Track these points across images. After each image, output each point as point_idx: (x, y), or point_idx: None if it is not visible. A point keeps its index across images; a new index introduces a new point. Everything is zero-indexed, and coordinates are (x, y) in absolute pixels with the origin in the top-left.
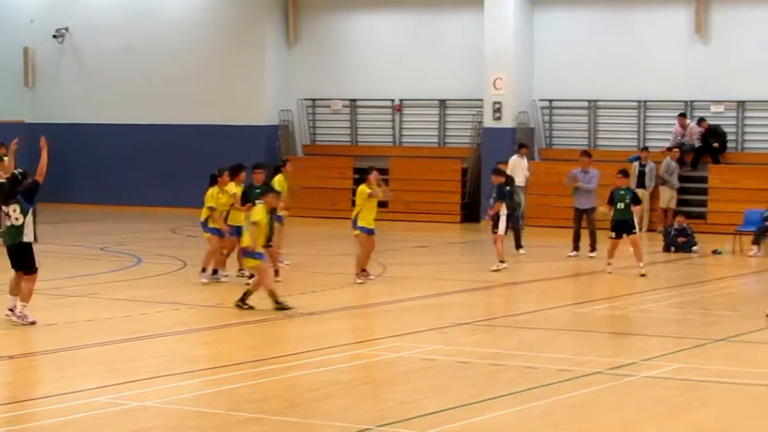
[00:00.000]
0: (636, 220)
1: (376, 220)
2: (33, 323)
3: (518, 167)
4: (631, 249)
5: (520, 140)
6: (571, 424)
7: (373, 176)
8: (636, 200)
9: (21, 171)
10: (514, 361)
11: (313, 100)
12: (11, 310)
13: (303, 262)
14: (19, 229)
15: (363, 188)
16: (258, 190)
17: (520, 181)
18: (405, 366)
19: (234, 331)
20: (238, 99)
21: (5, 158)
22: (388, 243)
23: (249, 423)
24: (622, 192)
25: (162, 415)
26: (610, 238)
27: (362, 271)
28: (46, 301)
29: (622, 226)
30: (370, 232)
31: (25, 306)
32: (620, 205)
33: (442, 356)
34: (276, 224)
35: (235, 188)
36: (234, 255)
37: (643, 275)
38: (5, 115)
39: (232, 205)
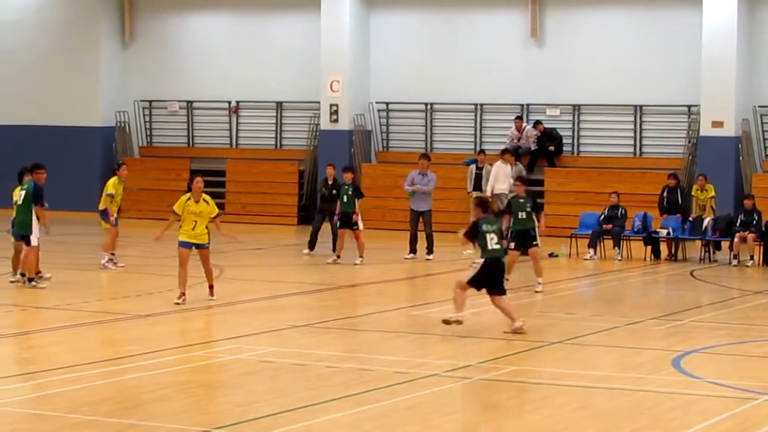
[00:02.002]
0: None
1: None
2: None
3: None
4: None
5: (357, 143)
6: (406, 426)
7: (197, 183)
8: (537, 208)
9: None
10: (351, 363)
11: (150, 101)
12: None
13: (137, 264)
14: None
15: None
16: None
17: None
18: (242, 368)
19: (68, 333)
20: (73, 100)
21: None
22: (223, 245)
23: (85, 425)
24: (522, 200)
25: None
26: (509, 249)
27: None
28: None
29: (524, 238)
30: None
31: None
32: (521, 215)
33: (278, 358)
34: (109, 226)
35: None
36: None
37: (538, 292)
38: None
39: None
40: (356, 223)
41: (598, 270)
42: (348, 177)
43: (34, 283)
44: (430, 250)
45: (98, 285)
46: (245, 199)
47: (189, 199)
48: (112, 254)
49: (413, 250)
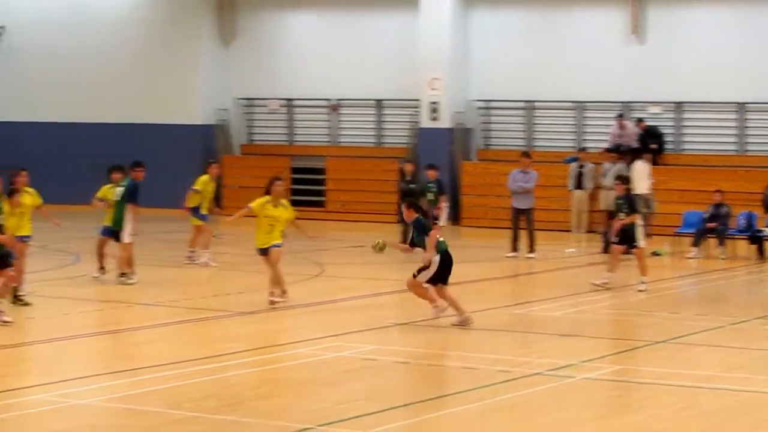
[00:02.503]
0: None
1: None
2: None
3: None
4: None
5: (457, 141)
6: (509, 425)
7: (277, 187)
8: (633, 208)
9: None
10: (453, 361)
11: (250, 99)
12: None
13: (237, 262)
14: None
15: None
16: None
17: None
18: (344, 366)
19: (173, 329)
20: (173, 98)
21: None
22: (323, 243)
23: (187, 422)
24: (620, 200)
25: (100, 414)
26: (613, 243)
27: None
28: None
29: (626, 236)
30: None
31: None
32: (620, 215)
33: (380, 356)
34: (202, 223)
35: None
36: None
37: (641, 291)
38: None
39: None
40: (437, 219)
41: (702, 269)
42: (432, 174)
43: (123, 279)
44: (531, 249)
45: (198, 282)
46: (345, 196)
47: (268, 202)
48: (192, 252)
49: (515, 249)
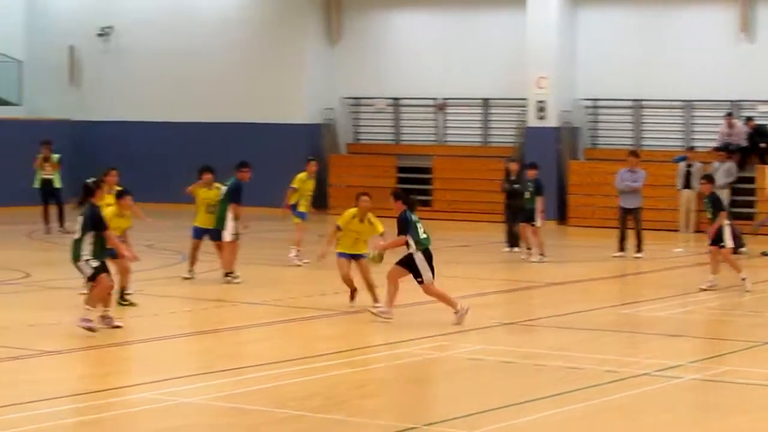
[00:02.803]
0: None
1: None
2: (90, 329)
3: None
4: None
5: (564, 140)
6: (617, 426)
7: (362, 203)
8: (718, 208)
9: (95, 180)
10: (558, 361)
11: (356, 98)
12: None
13: None
14: (77, 244)
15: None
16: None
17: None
18: (448, 365)
19: (277, 328)
20: (280, 97)
21: (55, 156)
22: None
23: (291, 420)
24: (705, 200)
25: (204, 412)
26: (721, 247)
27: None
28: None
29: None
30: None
31: (89, 311)
32: (708, 215)
33: (485, 356)
34: (299, 221)
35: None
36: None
37: (748, 291)
38: (50, 113)
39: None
40: (534, 218)
41: None
42: (531, 173)
43: (229, 278)
44: (639, 248)
45: (302, 281)
46: (451, 195)
47: (354, 216)
48: (298, 250)
49: (622, 248)
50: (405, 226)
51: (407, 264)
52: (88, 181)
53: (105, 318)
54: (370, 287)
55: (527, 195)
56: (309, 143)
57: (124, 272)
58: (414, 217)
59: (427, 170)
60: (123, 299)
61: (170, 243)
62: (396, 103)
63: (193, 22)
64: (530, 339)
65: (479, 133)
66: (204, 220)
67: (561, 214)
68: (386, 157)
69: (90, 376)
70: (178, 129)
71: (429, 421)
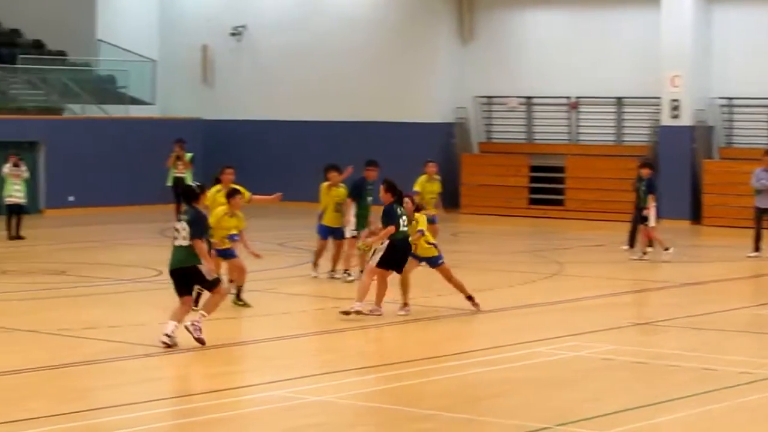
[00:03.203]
0: None
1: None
2: (200, 341)
3: None
4: None
5: (699, 139)
6: (754, 428)
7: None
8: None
9: (199, 184)
10: (693, 362)
11: (489, 97)
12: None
13: (478, 260)
14: (188, 251)
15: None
16: (369, 187)
17: None
18: (582, 365)
19: (408, 327)
20: (412, 96)
21: (188, 154)
22: (563, 241)
23: (423, 419)
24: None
25: (335, 411)
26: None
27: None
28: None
29: None
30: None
31: (204, 316)
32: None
33: (618, 356)
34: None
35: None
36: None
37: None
38: (183, 112)
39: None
40: (647, 219)
41: None
42: (645, 172)
43: (344, 276)
44: None
45: (434, 280)
46: (584, 195)
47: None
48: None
49: (757, 248)
50: (391, 218)
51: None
52: (193, 184)
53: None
54: (461, 288)
55: (640, 194)
56: (441, 142)
57: (241, 272)
58: (399, 210)
59: (559, 169)
60: (239, 299)
61: (302, 242)
62: (528, 101)
63: (326, 21)
64: (663, 339)
65: (612, 132)
66: (332, 219)
67: (695, 214)
68: (518, 156)
69: (219, 375)
70: (310, 128)
71: (561, 421)
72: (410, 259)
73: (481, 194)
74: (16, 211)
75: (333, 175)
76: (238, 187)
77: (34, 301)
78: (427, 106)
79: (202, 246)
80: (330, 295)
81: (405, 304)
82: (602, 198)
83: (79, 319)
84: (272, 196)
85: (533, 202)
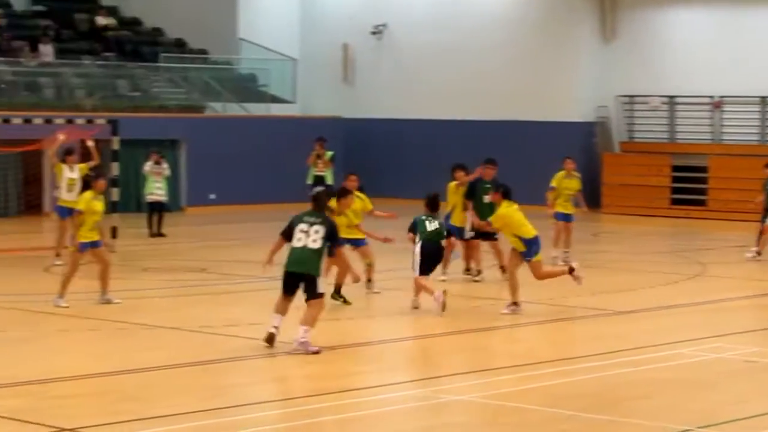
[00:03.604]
0: None
1: None
2: (316, 353)
3: None
4: None
5: None
6: None
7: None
8: None
9: (329, 191)
10: None
11: (630, 96)
12: (276, 327)
13: (617, 260)
14: (316, 256)
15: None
16: (487, 185)
17: None
18: (725, 367)
19: (547, 327)
20: (553, 95)
21: (328, 153)
22: (705, 242)
23: (564, 420)
24: None
25: (474, 410)
26: None
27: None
28: (361, 291)
29: None
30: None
31: (308, 331)
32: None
33: (763, 358)
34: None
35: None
36: None
37: None
38: (323, 111)
39: None
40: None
41: None
42: (767, 172)
43: (467, 274)
44: None
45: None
46: (727, 195)
47: None
48: (566, 252)
49: None
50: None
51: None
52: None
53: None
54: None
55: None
56: (583, 141)
57: (344, 269)
58: (423, 216)
59: (702, 169)
60: (338, 294)
61: None
62: (671, 101)
63: (467, 19)
64: None
65: (757, 131)
66: (460, 219)
67: None
68: (660, 156)
69: (356, 374)
70: (450, 126)
71: (704, 423)
72: (512, 255)
73: (622, 194)
74: (157, 209)
75: (460, 174)
76: (361, 196)
77: (176, 299)
78: (569, 105)
79: (343, 252)
80: (463, 294)
81: (514, 303)
82: (745, 198)
83: (220, 317)
84: (389, 214)
85: (675, 202)
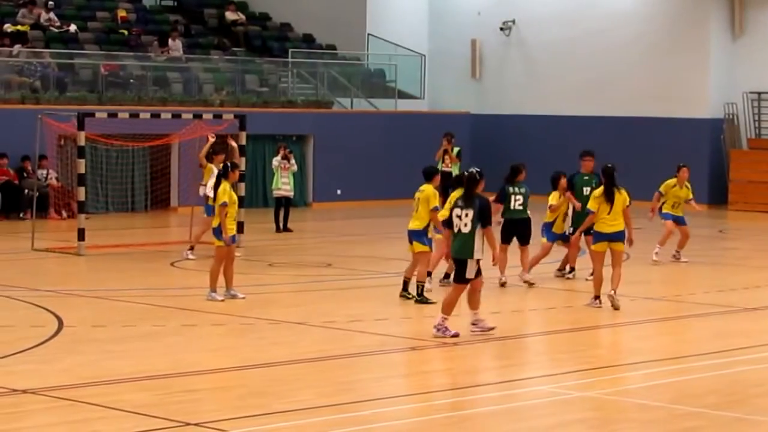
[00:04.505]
0: None
1: None
2: (455, 335)
3: None
4: None
5: None
6: None
7: None
8: None
9: (478, 170)
10: None
11: (759, 93)
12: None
13: (745, 256)
14: (466, 239)
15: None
16: (586, 177)
17: None
18: None
19: (674, 324)
20: (680, 92)
21: (455, 148)
22: None
23: (690, 417)
24: None
25: (600, 407)
26: None
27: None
28: (489, 290)
29: None
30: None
31: (476, 313)
32: None
33: None
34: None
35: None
36: None
37: None
38: (451, 107)
39: None
40: None
41: None
42: None
43: (562, 272)
44: None
45: (700, 277)
46: None
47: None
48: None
49: None
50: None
51: None
52: (474, 170)
53: (478, 322)
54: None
55: None
56: (710, 138)
57: (425, 263)
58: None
59: None
60: (407, 292)
61: None
62: None
63: (595, 16)
64: None
65: None
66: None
67: None
68: None
69: (485, 369)
70: (577, 122)
71: None
72: (613, 252)
73: (749, 191)
74: (284, 204)
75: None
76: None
77: (302, 294)
78: (697, 101)
79: (492, 233)
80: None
81: (596, 297)
82: None
83: (346, 312)
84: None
85: None
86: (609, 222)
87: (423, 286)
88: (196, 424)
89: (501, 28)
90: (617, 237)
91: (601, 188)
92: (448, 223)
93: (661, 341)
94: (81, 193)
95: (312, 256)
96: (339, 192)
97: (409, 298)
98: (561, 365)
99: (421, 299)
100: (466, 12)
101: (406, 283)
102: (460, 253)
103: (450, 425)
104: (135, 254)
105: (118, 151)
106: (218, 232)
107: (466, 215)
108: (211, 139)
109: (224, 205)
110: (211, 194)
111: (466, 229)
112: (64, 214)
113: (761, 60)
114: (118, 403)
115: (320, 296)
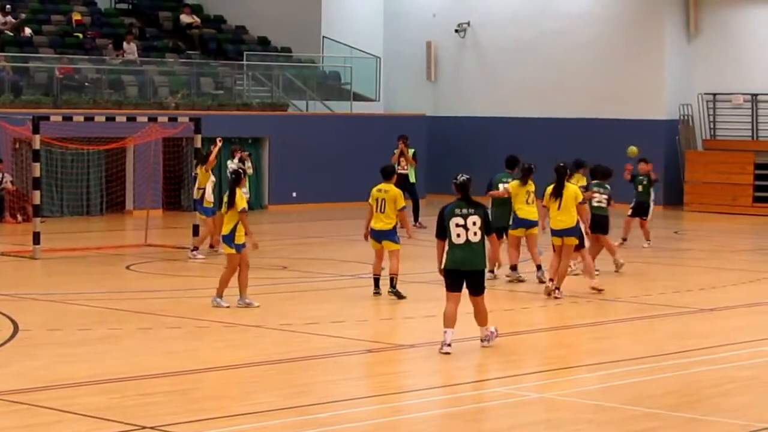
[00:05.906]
0: None
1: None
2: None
3: None
4: None
5: None
6: None
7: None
8: None
9: (469, 177)
10: None
11: (714, 94)
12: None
13: (701, 258)
14: (480, 249)
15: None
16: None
17: None
18: None
19: (631, 325)
20: (636, 93)
21: (410, 150)
22: None
23: (646, 418)
24: None
25: (559, 408)
26: None
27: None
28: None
29: None
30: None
31: (487, 328)
32: None
33: None
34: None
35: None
36: None
37: None
38: (406, 109)
39: None
40: None
41: None
42: None
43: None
44: None
45: (657, 278)
46: None
47: None
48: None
49: None
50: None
51: None
52: (463, 177)
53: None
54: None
55: None
56: (666, 139)
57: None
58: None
59: None
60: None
61: None
62: (754, 98)
63: (550, 18)
64: None
65: None
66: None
67: None
68: (743, 154)
69: (440, 371)
70: (532, 124)
71: None
72: (565, 245)
73: (705, 192)
74: None
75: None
76: None
77: (258, 297)
78: (652, 102)
79: (495, 239)
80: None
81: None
82: None
83: (302, 315)
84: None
85: (758, 200)
86: (557, 218)
87: (396, 278)
88: (152, 428)
89: (456, 30)
90: (568, 233)
91: (552, 185)
92: (441, 233)
93: (619, 342)
94: (36, 197)
95: (268, 258)
96: (294, 194)
97: (394, 294)
98: (518, 367)
99: (395, 291)
100: (421, 14)
101: (377, 281)
102: (474, 265)
103: (407, 427)
104: (91, 257)
105: (73, 154)
106: (229, 239)
107: (474, 223)
108: (219, 144)
109: (244, 211)
110: (211, 198)
111: (476, 238)
112: (20, 217)
113: (716, 61)
114: (74, 407)
115: (276, 299)
